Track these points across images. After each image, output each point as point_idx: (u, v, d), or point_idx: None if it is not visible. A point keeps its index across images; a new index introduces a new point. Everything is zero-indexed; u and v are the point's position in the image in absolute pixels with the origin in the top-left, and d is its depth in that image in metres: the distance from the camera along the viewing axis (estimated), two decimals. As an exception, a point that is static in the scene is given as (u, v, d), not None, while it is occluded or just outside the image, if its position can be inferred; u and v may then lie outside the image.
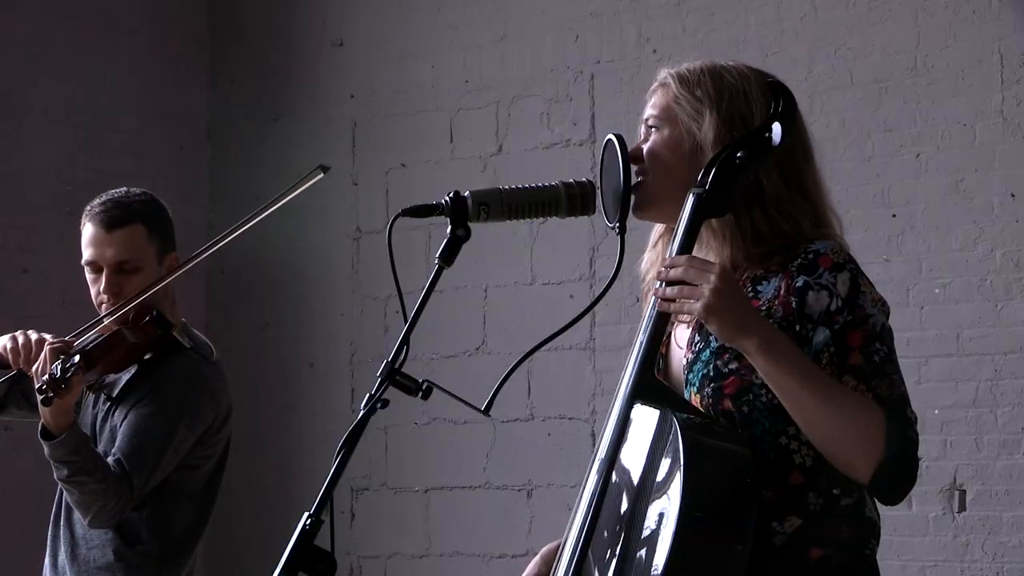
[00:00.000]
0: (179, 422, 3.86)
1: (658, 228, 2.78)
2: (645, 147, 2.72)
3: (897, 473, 2.53)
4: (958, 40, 5.73)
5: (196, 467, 3.94)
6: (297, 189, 3.82)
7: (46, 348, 3.79)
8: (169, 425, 3.84)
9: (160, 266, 3.92)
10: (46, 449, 3.76)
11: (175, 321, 3.98)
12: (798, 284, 2.59)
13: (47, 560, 4.01)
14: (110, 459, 3.82)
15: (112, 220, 3.89)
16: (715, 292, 2.51)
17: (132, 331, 3.84)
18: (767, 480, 2.56)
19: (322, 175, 3.80)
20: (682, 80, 2.71)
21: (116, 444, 3.85)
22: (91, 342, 3.81)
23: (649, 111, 2.74)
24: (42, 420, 3.75)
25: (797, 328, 2.57)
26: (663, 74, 2.75)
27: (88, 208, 3.94)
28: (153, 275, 3.89)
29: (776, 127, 2.59)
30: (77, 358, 3.69)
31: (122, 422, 3.87)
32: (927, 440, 5.71)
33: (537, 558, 2.84)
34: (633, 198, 2.69)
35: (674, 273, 2.55)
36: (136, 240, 3.90)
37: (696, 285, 2.52)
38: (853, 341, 2.56)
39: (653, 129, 2.72)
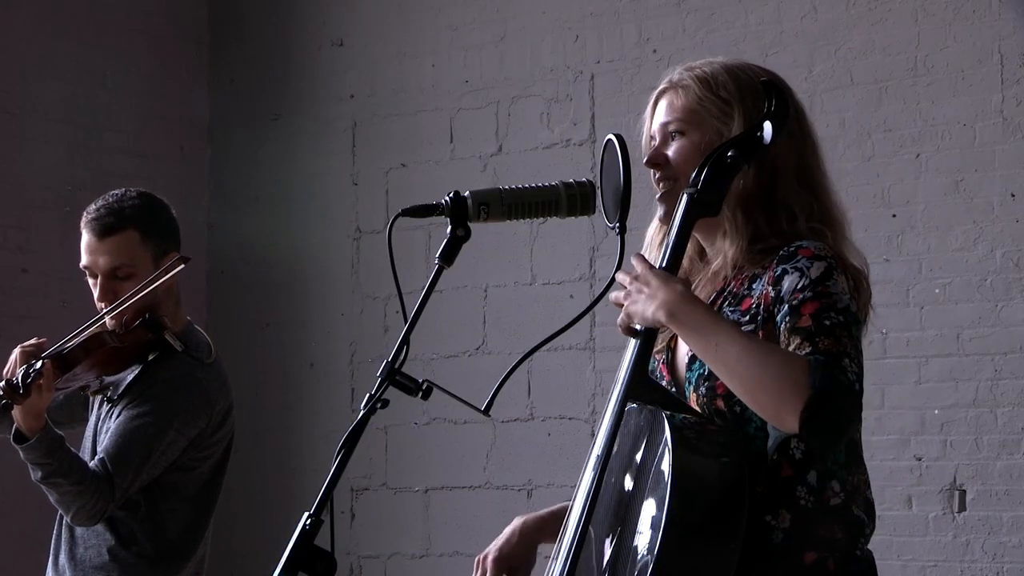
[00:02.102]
0: (168, 425, 3.84)
1: (654, 228, 2.78)
2: (671, 153, 2.71)
3: (825, 414, 2.45)
4: (958, 40, 5.73)
5: (191, 469, 3.93)
6: (160, 279, 3.85)
7: (17, 351, 3.79)
8: (157, 428, 3.83)
9: (157, 267, 3.90)
10: (20, 452, 3.76)
11: (178, 321, 3.97)
12: (777, 273, 2.60)
13: (50, 559, 4.02)
14: (95, 459, 3.83)
15: (104, 227, 3.88)
16: (626, 295, 2.56)
17: (114, 334, 3.83)
18: (759, 475, 2.56)
19: (183, 266, 3.87)
20: (703, 82, 2.70)
21: (103, 445, 3.86)
22: (67, 345, 3.80)
23: (669, 115, 2.72)
24: (14, 423, 3.75)
25: (777, 315, 2.58)
26: (679, 75, 2.73)
27: (85, 213, 3.93)
28: (149, 278, 3.90)
29: (767, 126, 2.59)
30: (39, 364, 3.68)
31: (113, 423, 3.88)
32: (927, 440, 5.72)
33: (514, 533, 2.84)
34: (664, 207, 2.70)
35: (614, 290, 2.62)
36: (128, 246, 3.89)
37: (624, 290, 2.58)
38: (806, 309, 2.54)
39: (677, 133, 2.71)
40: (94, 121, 6.90)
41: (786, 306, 2.55)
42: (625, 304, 2.57)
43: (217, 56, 7.35)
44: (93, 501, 3.77)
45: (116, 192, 3.97)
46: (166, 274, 3.86)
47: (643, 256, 2.63)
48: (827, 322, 2.52)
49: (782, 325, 2.55)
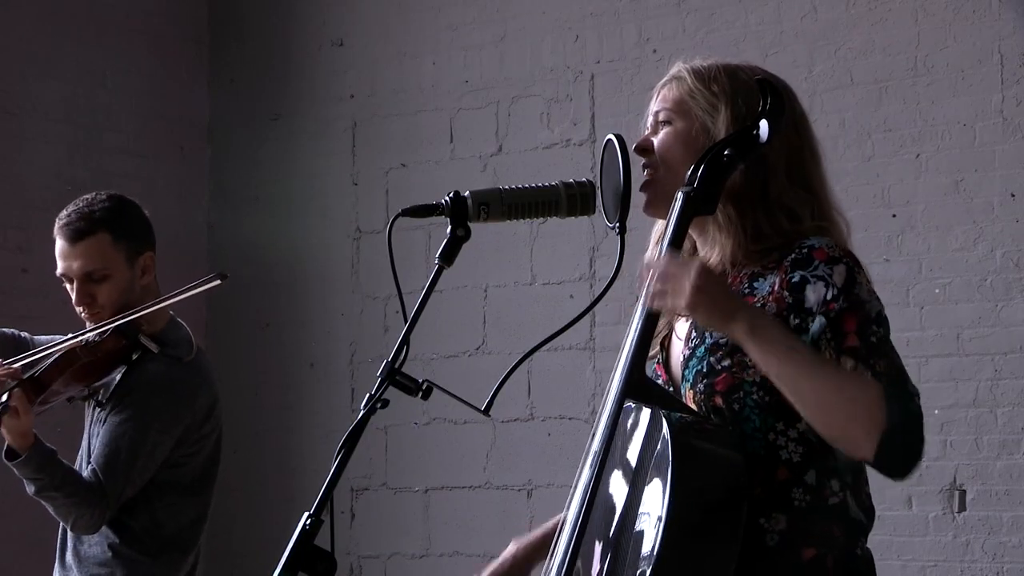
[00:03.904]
0: (149, 429, 3.88)
1: (659, 226, 2.78)
2: (656, 140, 2.71)
3: (902, 445, 2.50)
4: (958, 40, 5.73)
5: (182, 465, 3.96)
6: (194, 291, 3.88)
7: None
8: (139, 433, 3.87)
9: (132, 268, 3.94)
10: (12, 469, 3.79)
11: (158, 320, 3.97)
12: (794, 279, 2.58)
13: (56, 559, 4.07)
14: (88, 469, 3.86)
15: (75, 232, 3.92)
16: (696, 289, 2.50)
17: (87, 347, 3.84)
18: (756, 477, 2.55)
19: (219, 282, 3.89)
20: (698, 75, 2.71)
21: (93, 454, 3.89)
22: (40, 367, 3.80)
23: (660, 104, 2.73)
24: (6, 441, 3.78)
25: (797, 322, 2.56)
26: (677, 68, 2.74)
27: (57, 219, 3.97)
28: (124, 279, 3.92)
29: (763, 124, 2.59)
30: (6, 397, 3.70)
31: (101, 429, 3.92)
32: (927, 440, 5.70)
33: (508, 558, 2.85)
34: (645, 196, 2.69)
35: (656, 268, 2.55)
36: (101, 249, 3.92)
37: (678, 281, 2.51)
38: (848, 326, 2.55)
39: (664, 123, 2.71)
40: (94, 121, 6.90)
41: (821, 318, 2.55)
42: (672, 295, 2.51)
43: (217, 56, 7.34)
44: (89, 512, 3.83)
45: (87, 196, 4.00)
46: (199, 287, 3.87)
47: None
48: (873, 339, 2.55)
49: (822, 341, 2.54)
